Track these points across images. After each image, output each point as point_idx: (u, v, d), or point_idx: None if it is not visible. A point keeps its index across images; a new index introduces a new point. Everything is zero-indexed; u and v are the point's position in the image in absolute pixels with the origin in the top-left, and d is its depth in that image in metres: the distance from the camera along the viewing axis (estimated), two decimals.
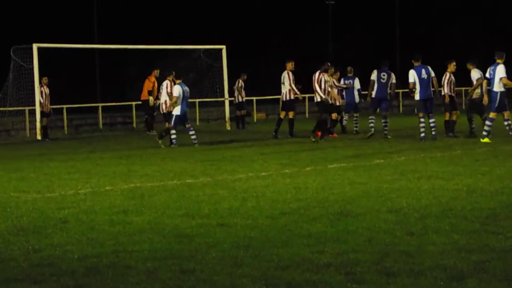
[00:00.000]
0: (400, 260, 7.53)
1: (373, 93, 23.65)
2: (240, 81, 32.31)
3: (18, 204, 11.86)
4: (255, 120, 36.63)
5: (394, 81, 24.00)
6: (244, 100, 32.51)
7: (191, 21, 54.72)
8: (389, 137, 22.99)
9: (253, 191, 12.47)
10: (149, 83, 29.66)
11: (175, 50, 34.24)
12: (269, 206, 10.92)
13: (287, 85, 24.48)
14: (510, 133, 20.89)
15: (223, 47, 32.99)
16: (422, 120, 21.90)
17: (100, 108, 35.17)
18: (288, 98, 24.69)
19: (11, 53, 28.92)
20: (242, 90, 32.31)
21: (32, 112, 28.98)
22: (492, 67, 20.98)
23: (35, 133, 28.58)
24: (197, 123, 33.92)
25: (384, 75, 23.76)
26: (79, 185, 13.97)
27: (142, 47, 33.98)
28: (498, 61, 21.05)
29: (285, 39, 58.59)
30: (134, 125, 35.08)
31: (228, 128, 31.89)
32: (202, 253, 8.10)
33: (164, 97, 23.72)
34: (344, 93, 26.60)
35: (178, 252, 8.19)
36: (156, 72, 29.49)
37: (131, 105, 35.60)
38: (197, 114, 34.86)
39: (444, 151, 18.61)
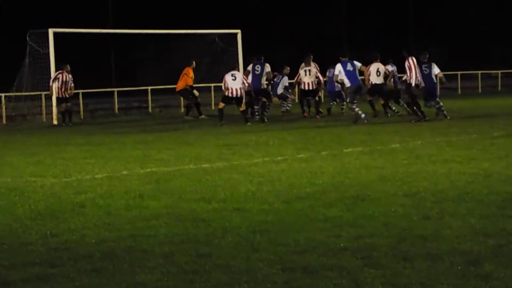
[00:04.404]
0: (417, 245, 7.52)
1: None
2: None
3: (35, 188, 11.92)
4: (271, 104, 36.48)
5: (268, 69, 26.15)
6: None
7: (206, 4, 54.64)
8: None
9: (269, 175, 12.48)
10: (189, 78, 29.11)
11: (189, 34, 34.17)
12: (285, 191, 10.93)
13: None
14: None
15: (238, 31, 32.89)
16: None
17: (115, 93, 35.16)
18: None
19: (27, 37, 29.00)
20: None
21: (48, 97, 29.06)
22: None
23: (51, 118, 28.66)
24: (212, 107, 33.86)
25: (258, 67, 25.81)
26: (95, 169, 14.02)
27: (157, 32, 33.93)
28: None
29: (299, 22, 58.38)
30: (150, 109, 35.11)
31: None
32: (218, 237, 8.12)
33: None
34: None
35: (195, 236, 8.22)
36: (194, 64, 29.15)
37: (147, 89, 35.62)
38: (213, 98, 34.78)
39: (460, 135, 18.55)
